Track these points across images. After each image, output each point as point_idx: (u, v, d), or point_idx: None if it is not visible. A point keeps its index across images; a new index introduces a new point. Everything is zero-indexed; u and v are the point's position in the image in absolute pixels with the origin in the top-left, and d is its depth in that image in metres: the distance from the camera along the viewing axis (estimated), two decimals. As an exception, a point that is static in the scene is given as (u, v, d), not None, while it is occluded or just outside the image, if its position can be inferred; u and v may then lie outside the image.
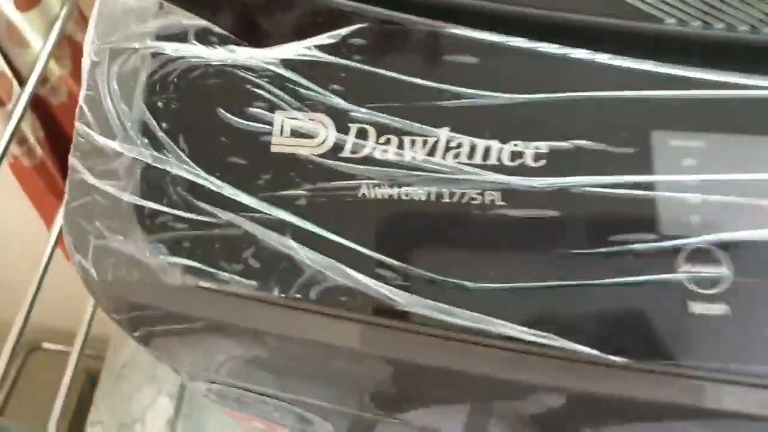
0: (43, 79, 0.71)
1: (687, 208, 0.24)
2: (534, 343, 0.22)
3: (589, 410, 0.23)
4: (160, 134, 0.25)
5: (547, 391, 0.22)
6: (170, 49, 0.26)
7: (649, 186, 0.24)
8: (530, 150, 0.25)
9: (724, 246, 0.23)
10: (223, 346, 0.26)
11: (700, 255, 0.23)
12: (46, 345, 1.15)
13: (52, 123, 0.78)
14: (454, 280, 0.23)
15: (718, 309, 0.22)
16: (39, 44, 0.66)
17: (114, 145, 0.25)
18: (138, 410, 0.92)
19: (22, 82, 0.67)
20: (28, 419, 0.64)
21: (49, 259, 0.63)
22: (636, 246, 0.23)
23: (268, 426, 0.43)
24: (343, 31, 0.26)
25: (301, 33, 0.26)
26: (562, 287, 0.23)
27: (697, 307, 0.22)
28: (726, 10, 0.25)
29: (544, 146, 0.25)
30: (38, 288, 0.59)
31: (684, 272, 0.23)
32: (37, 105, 0.73)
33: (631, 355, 0.22)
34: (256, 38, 0.26)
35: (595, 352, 0.22)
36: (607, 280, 0.23)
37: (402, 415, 0.27)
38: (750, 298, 0.22)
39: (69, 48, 0.73)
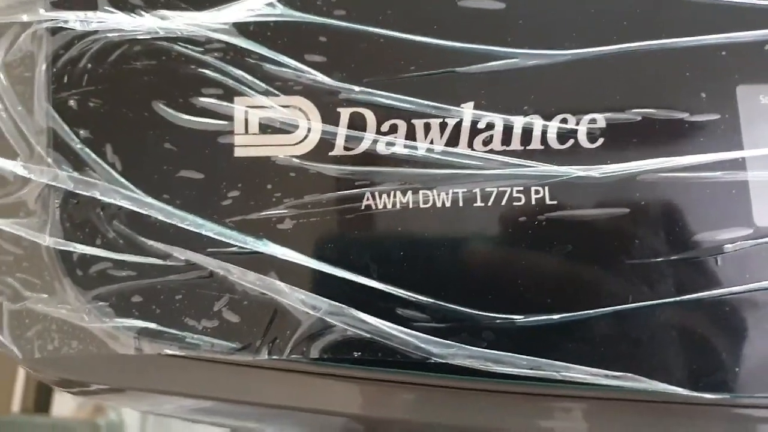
0: None
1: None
2: (613, 387, 0.18)
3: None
4: (79, 146, 0.18)
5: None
6: (75, 20, 0.19)
7: (737, 165, 0.19)
8: (583, 126, 0.19)
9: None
10: (188, 405, 0.21)
11: (811, 252, 0.18)
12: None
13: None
14: (501, 316, 0.18)
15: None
16: None
17: (15, 167, 0.18)
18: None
19: None
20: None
21: None
22: (730, 246, 0.18)
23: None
24: (316, -27, 0.19)
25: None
26: (641, 310, 0.18)
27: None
28: None
29: (600, 119, 0.19)
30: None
31: (794, 278, 0.18)
32: None
33: (735, 391, 0.18)
34: (195, -6, 0.19)
35: (691, 392, 0.17)
36: (698, 295, 0.18)
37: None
38: None
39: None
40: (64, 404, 0.96)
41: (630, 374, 0.18)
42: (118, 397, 0.23)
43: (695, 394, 0.17)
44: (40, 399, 0.98)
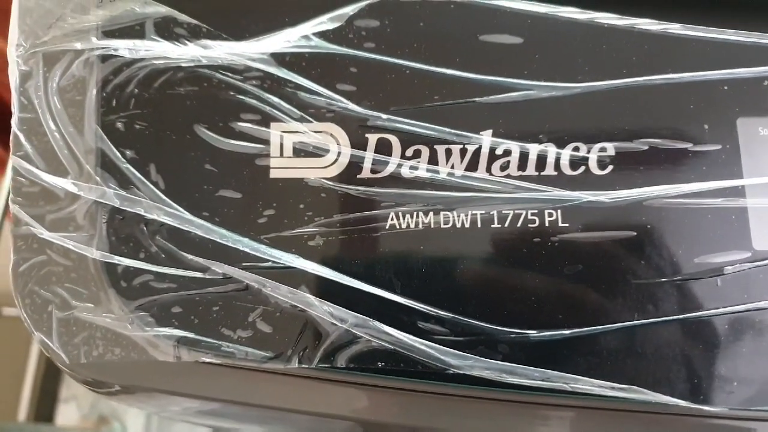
0: None
1: (786, 216, 0.20)
2: (619, 399, 0.19)
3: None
4: (125, 166, 0.20)
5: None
6: (124, 48, 0.21)
7: (737, 192, 0.20)
8: (594, 154, 0.21)
9: (835, 263, 0.20)
10: (224, 414, 0.22)
11: (806, 275, 0.20)
12: (6, 311, 1.11)
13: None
14: (516, 331, 0.19)
15: (831, 341, 0.19)
16: None
17: (66, 184, 0.20)
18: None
19: None
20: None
21: (0, 225, 0.59)
22: (730, 268, 0.20)
23: None
24: (349, 9, 0.21)
25: (296, 17, 0.21)
26: (647, 326, 0.20)
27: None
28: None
29: (610, 148, 0.21)
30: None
31: (790, 299, 0.20)
32: None
33: (733, 404, 0.19)
34: (237, 27, 0.21)
35: (691, 404, 0.19)
36: (699, 314, 0.20)
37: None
38: None
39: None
40: (68, 415, 0.97)
41: (635, 387, 0.19)
42: (138, 397, 0.24)
43: (696, 406, 0.19)
44: (45, 409, 0.99)
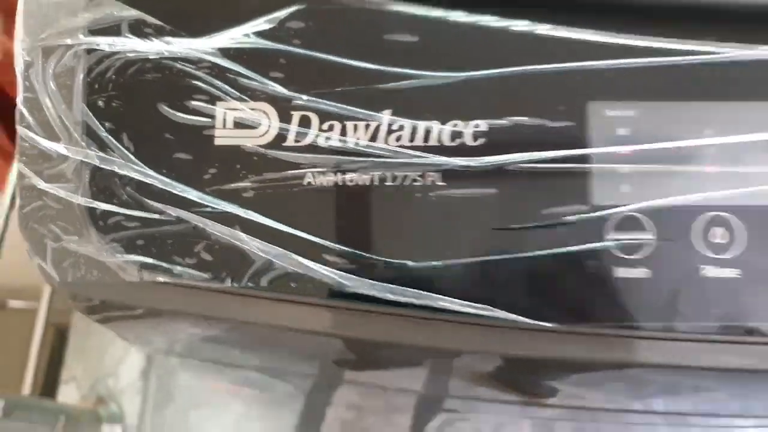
0: None
1: (618, 178, 0.27)
2: (473, 315, 0.26)
3: (529, 371, 0.27)
4: (104, 134, 0.27)
5: (484, 357, 0.26)
6: (105, 43, 0.28)
7: (583, 159, 0.27)
8: (469, 129, 0.27)
9: (650, 213, 0.26)
10: (181, 329, 0.29)
11: (627, 222, 0.26)
12: (12, 303, 1.18)
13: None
14: (397, 261, 0.26)
15: (640, 272, 0.26)
16: None
17: (59, 148, 0.27)
18: (111, 364, 0.96)
19: None
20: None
21: (6, 218, 0.65)
22: (569, 218, 0.26)
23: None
24: (281, 14, 0.28)
25: (240, 18, 0.28)
26: (498, 261, 0.26)
27: (622, 272, 0.26)
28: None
29: (483, 124, 0.27)
30: (-2, 246, 0.62)
31: (611, 240, 0.26)
32: None
33: (559, 321, 0.25)
34: (193, 27, 0.28)
35: (527, 320, 0.25)
36: (539, 253, 0.26)
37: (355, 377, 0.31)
38: (670, 261, 0.26)
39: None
40: (69, 395, 1.05)
41: (489, 306, 0.25)
42: (133, 324, 0.31)
43: (536, 322, 0.25)
44: (47, 388, 1.07)
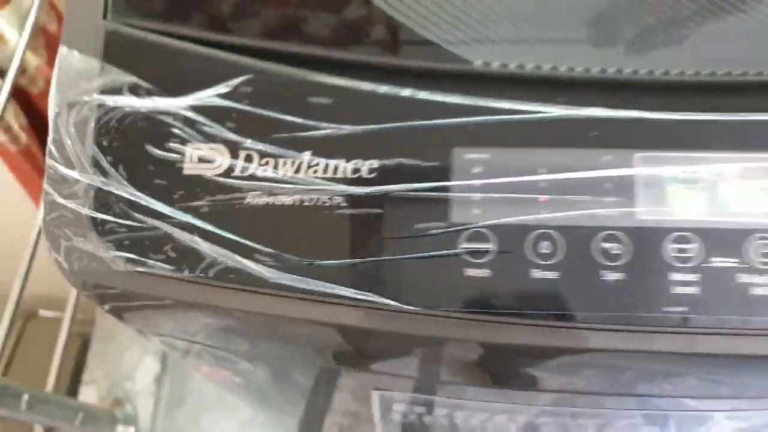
0: (22, 70, 0.82)
1: (471, 203, 0.37)
2: (359, 299, 0.36)
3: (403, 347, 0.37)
4: (106, 165, 0.38)
5: (366, 333, 0.36)
6: (110, 100, 0.39)
7: (446, 189, 0.37)
8: (366, 166, 0.38)
9: (494, 229, 0.36)
10: (159, 311, 0.40)
11: (476, 236, 0.36)
12: (42, 312, 1.31)
13: (33, 110, 0.91)
14: (308, 260, 0.36)
15: (484, 273, 0.36)
16: (15, 38, 0.77)
17: (74, 174, 0.38)
18: (127, 369, 1.08)
19: (2, 75, 0.79)
20: (29, 383, 0.78)
21: (39, 233, 0.75)
22: (433, 231, 0.36)
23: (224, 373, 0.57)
24: (235, 81, 0.39)
25: (206, 84, 0.39)
26: (382, 261, 0.36)
27: (470, 272, 0.36)
28: (512, 52, 0.38)
29: (376, 162, 0.38)
30: (31, 259, 0.72)
31: (463, 249, 0.36)
32: (19, 95, 0.86)
33: (421, 305, 0.35)
34: (173, 90, 0.39)
35: (398, 304, 0.35)
36: (411, 256, 0.36)
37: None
38: (508, 265, 0.36)
39: (43, 38, 0.85)
40: (89, 396, 1.16)
41: (373, 294, 0.36)
42: (125, 309, 0.42)
43: (405, 306, 0.35)
44: (71, 389, 1.18)
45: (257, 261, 0.36)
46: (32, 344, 1.26)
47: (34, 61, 0.84)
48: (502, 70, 0.38)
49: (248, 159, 0.38)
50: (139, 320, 0.45)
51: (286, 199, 0.37)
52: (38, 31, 0.82)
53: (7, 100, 0.67)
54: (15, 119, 0.86)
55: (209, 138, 0.38)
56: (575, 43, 0.38)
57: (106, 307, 0.43)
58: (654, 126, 0.36)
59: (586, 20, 0.38)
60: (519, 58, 0.38)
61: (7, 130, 0.87)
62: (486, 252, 0.36)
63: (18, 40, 0.71)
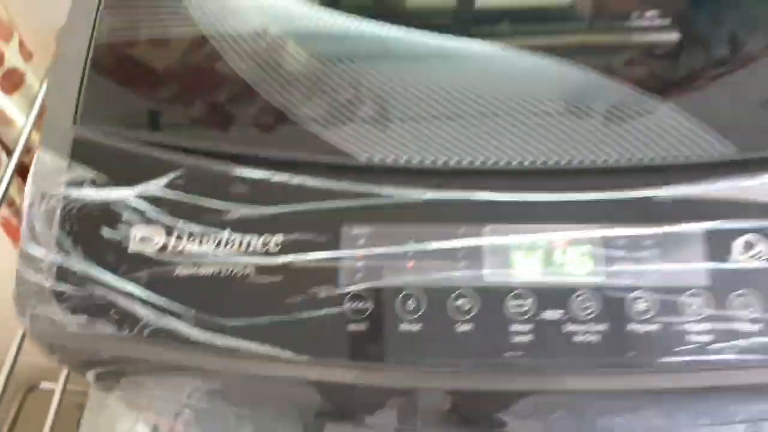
0: (27, 149, 0.88)
1: (356, 269, 0.45)
2: (262, 352, 0.44)
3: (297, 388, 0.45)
4: (68, 246, 0.48)
5: (267, 378, 0.44)
6: (74, 193, 0.49)
7: (335, 258, 0.46)
8: (273, 240, 0.47)
9: (369, 291, 0.45)
10: (117, 368, 0.49)
11: (356, 297, 0.45)
12: (43, 384, 1.38)
13: (37, 189, 1.01)
14: (223, 319, 0.45)
15: (362, 326, 0.44)
16: (22, 121, 0.86)
17: (41, 253, 0.48)
18: (119, 438, 1.14)
19: (9, 154, 0.87)
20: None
21: None
22: (322, 294, 0.45)
23: None
24: (172, 174, 0.49)
25: (150, 177, 0.49)
26: (281, 320, 0.45)
27: (352, 326, 0.44)
28: (389, 149, 0.47)
29: (281, 237, 0.47)
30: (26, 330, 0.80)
31: (346, 306, 0.45)
32: (23, 172, 0.96)
33: (312, 355, 0.44)
34: (124, 182, 0.49)
35: (292, 353, 0.44)
36: (301, 315, 0.45)
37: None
38: (379, 319, 0.44)
39: (48, 120, 0.96)
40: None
41: (272, 346, 0.44)
42: (82, 364, 0.51)
43: (287, 353, 0.44)
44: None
45: (184, 321, 0.45)
46: (33, 415, 1.33)
47: (38, 140, 0.95)
48: (381, 163, 0.48)
49: (179, 237, 0.48)
50: (111, 381, 0.54)
51: (208, 270, 0.47)
52: (44, 113, 0.92)
53: (12, 177, 0.76)
54: (19, 195, 0.94)
55: (150, 221, 0.48)
56: (439, 139, 0.48)
57: (90, 374, 0.52)
58: (499, 204, 0.45)
59: (447, 118, 0.48)
60: (394, 154, 0.48)
61: (11, 204, 0.96)
62: (365, 310, 0.45)
63: (24, 122, 0.81)
